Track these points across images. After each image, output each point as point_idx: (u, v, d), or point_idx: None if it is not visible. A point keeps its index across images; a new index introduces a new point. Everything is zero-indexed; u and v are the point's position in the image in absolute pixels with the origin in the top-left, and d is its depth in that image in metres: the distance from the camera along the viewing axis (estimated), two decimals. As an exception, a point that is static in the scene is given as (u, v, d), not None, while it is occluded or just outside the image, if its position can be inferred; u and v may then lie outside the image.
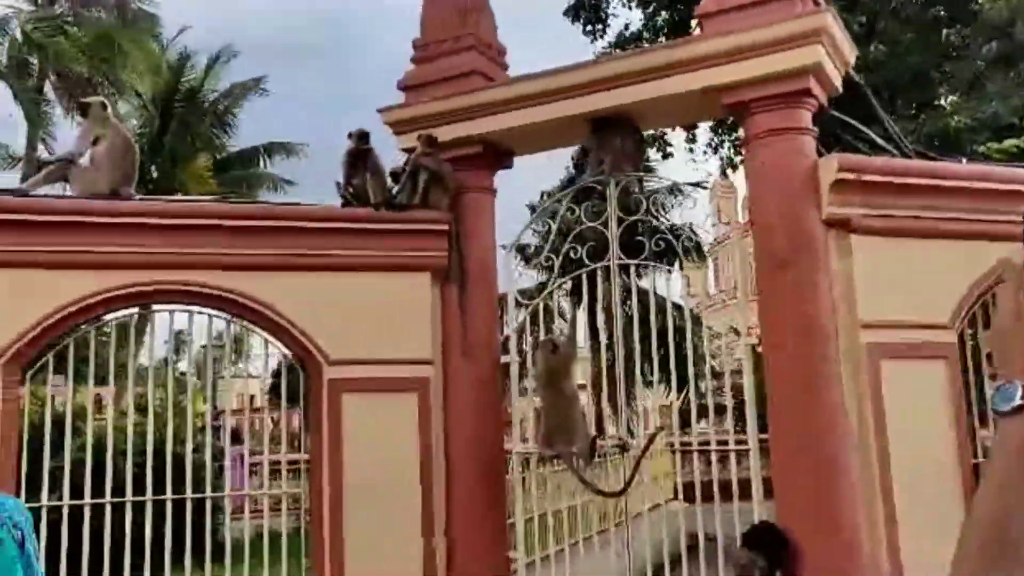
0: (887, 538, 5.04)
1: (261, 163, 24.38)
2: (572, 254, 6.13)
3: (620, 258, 5.97)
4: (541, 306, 6.17)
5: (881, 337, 5.27)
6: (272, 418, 18.34)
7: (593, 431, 6.29)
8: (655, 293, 5.99)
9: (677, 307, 10.34)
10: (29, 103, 20.78)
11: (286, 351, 6.11)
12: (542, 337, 6.11)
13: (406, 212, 6.06)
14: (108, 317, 5.81)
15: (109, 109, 5.94)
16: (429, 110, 6.27)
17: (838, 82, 5.60)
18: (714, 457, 6.07)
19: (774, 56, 5.13)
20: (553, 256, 6.13)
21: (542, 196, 21.37)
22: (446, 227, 6.11)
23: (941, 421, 5.32)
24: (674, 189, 20.27)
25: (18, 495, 5.28)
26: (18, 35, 20.79)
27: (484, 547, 5.95)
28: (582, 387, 6.50)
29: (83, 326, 5.77)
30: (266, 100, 24.64)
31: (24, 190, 5.70)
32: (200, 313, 5.90)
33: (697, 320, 7.66)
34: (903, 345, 5.30)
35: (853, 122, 5.66)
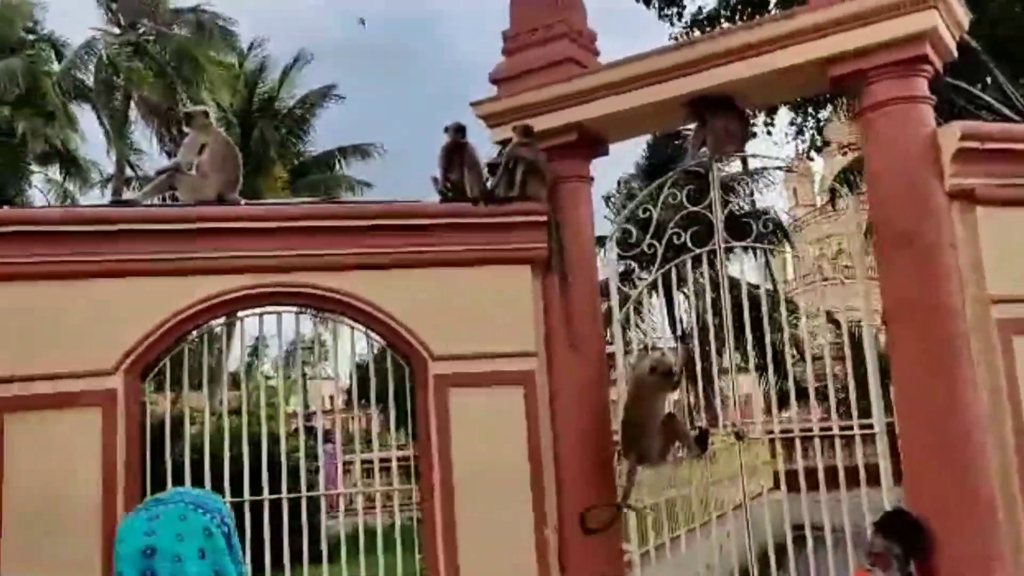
0: (1026, 521, 4.79)
1: (337, 166, 24.82)
2: (675, 239, 5.99)
3: (727, 241, 5.81)
4: (645, 294, 6.04)
5: (1012, 312, 5.02)
6: (361, 416, 18.65)
7: (700, 423, 6.13)
8: (766, 275, 5.78)
9: (767, 291, 10.08)
10: (113, 123, 21.54)
11: (389, 348, 6.11)
12: (642, 343, 5.98)
13: (505, 205, 6.02)
14: (218, 322, 5.90)
15: (212, 117, 6.05)
16: (523, 101, 6.21)
17: (953, 47, 5.34)
18: (817, 443, 5.86)
19: (889, 23, 4.92)
20: (656, 243, 5.99)
21: (619, 184, 21.12)
22: (545, 218, 6.04)
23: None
24: (755, 173, 19.97)
25: (143, 498, 5.45)
26: (104, 57, 21.56)
27: (597, 539, 5.87)
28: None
29: (194, 332, 5.89)
30: (341, 103, 25.06)
31: (137, 201, 5.85)
32: (307, 314, 5.97)
33: (792, 303, 7.50)
34: (1035, 319, 5.04)
35: (970, 88, 5.39)
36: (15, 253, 5.40)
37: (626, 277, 6.25)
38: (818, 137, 15.70)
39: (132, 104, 22.49)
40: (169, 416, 5.90)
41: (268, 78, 24.44)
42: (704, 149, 5.79)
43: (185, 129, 5.93)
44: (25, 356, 5.36)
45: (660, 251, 6.01)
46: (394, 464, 6.29)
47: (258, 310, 5.97)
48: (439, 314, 5.96)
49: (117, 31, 22.58)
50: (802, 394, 9.72)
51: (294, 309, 6.02)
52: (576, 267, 6.12)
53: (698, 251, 5.89)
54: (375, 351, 6.21)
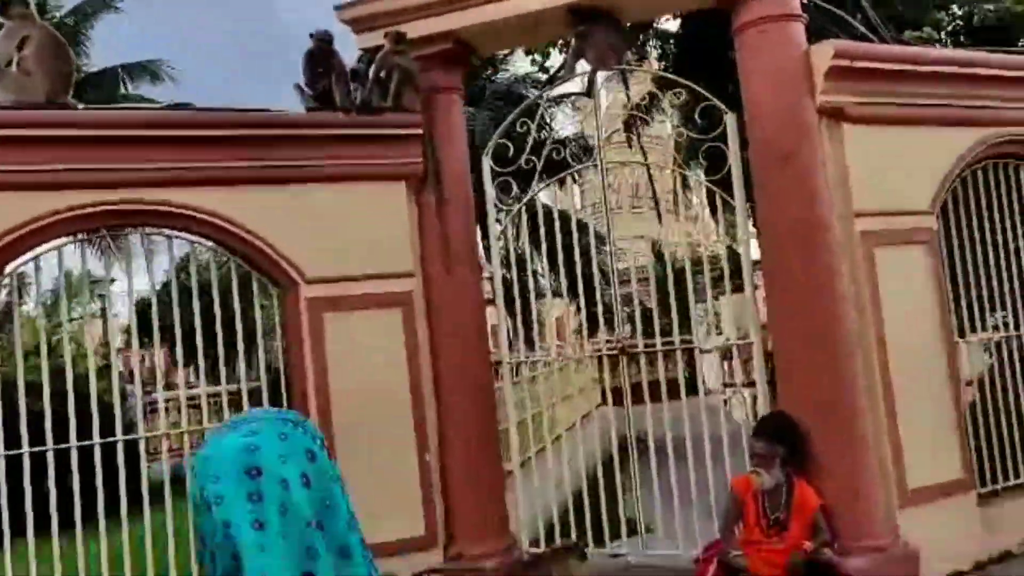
0: (888, 426, 5.22)
1: (121, 87, 22.49)
2: (555, 155, 5.89)
3: (609, 158, 5.78)
4: (523, 212, 5.92)
5: (873, 225, 5.37)
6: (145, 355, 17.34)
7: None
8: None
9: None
10: None
11: (255, 271, 5.63)
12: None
13: (379, 115, 5.63)
14: (59, 242, 5.12)
15: (32, 6, 5.16)
16: (394, 5, 5.79)
17: (823, -32, 5.54)
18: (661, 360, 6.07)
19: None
20: (535, 159, 5.86)
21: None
22: (419, 131, 5.73)
23: (926, 304, 5.52)
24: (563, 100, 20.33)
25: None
26: None
27: (478, 457, 5.81)
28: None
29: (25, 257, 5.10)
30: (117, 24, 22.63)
31: (-58, 101, 4.91)
32: (162, 235, 5.35)
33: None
34: (892, 232, 5.43)
35: (836, 10, 5.62)
36: None
37: (503, 195, 6.06)
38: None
39: None
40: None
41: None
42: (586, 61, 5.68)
43: (-3, 19, 4.99)
44: None
45: (538, 167, 5.88)
46: (244, 398, 5.83)
47: (127, 229, 5.26)
48: (310, 234, 5.54)
49: None
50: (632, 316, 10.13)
51: (145, 230, 5.35)
52: (451, 184, 5.89)
53: (580, 166, 5.83)
54: (238, 275, 5.68)
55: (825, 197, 5.25)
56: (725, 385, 11.76)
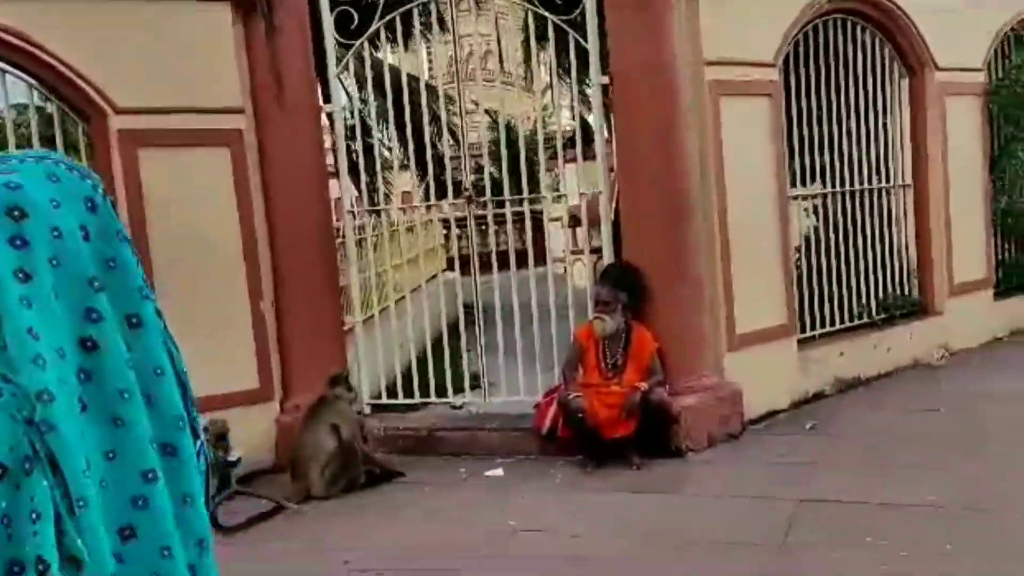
0: (722, 275, 5.36)
1: None
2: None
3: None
4: (365, 48, 5.49)
5: (721, 75, 5.34)
6: None
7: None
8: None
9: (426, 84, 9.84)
10: None
11: (56, 99, 4.97)
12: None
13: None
14: None
15: None
16: None
17: None
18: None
19: None
20: (376, -12, 5.40)
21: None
22: (246, -57, 5.14)
23: (766, 157, 5.63)
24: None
25: None
26: None
27: (318, 309, 5.56)
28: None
29: None
30: None
31: None
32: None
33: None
34: (739, 83, 5.44)
35: None
36: None
37: (343, 28, 5.59)
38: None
39: None
40: None
41: None
42: None
43: None
44: None
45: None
46: None
47: None
48: (123, 59, 4.94)
49: None
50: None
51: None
52: (284, 12, 5.35)
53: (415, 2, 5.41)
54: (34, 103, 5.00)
55: (677, 42, 5.14)
56: (572, 252, 11.90)
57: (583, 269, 8.51)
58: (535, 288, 5.47)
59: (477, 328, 5.68)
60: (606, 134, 5.57)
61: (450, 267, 10.10)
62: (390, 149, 12.76)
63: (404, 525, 4.20)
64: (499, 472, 4.94)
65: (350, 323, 5.94)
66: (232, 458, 4.74)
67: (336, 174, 5.96)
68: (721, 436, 5.12)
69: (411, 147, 6.20)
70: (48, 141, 5.12)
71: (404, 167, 13.57)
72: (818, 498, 4.06)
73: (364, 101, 8.53)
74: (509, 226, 5.89)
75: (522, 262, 5.65)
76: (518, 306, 5.50)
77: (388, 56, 7.18)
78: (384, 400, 5.89)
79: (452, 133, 10.98)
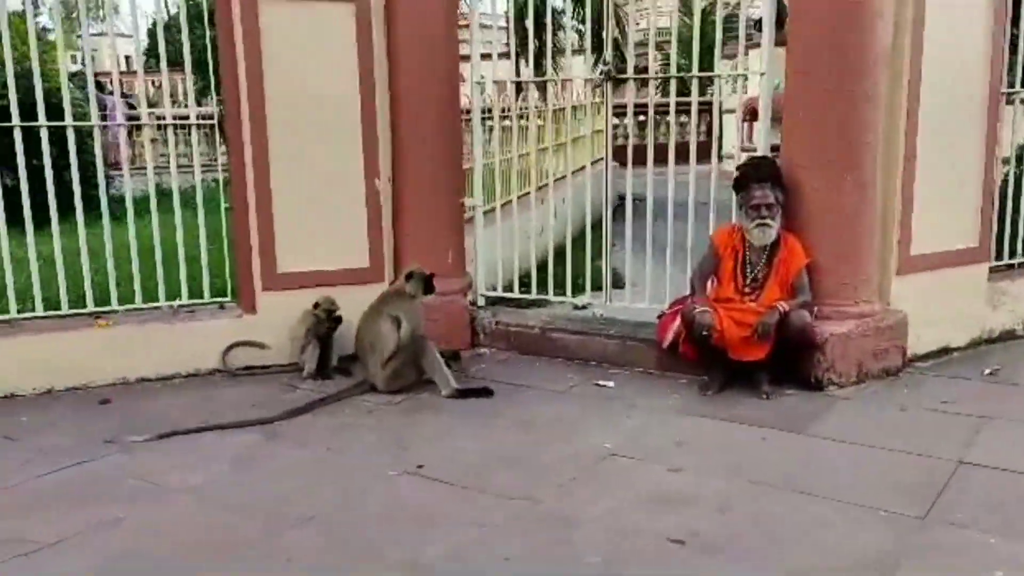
0: (902, 180, 4.48)
1: None
2: None
3: None
4: None
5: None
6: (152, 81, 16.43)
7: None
8: None
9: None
10: None
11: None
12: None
13: None
14: None
15: None
16: None
17: None
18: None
19: None
20: None
21: None
22: None
23: (976, 44, 4.60)
24: None
25: None
26: None
27: (435, 191, 5.17)
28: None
29: None
30: None
31: None
32: None
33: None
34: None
35: None
36: None
37: None
38: None
39: None
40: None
41: None
42: None
43: None
44: None
45: None
46: (193, 120, 5.12)
47: None
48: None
49: None
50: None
51: None
52: None
53: None
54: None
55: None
56: (744, 150, 10.82)
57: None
58: (694, 184, 4.81)
59: (624, 227, 5.08)
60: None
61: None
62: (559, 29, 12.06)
63: (491, 433, 3.83)
64: (610, 384, 4.46)
65: (470, 207, 5.53)
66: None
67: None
68: (875, 371, 4.37)
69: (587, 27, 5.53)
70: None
71: (577, 52, 12.92)
72: (984, 463, 3.32)
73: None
74: (672, 113, 5.12)
75: (687, 157, 4.94)
76: (672, 204, 4.86)
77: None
78: (500, 293, 5.50)
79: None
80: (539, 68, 6.96)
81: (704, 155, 5.09)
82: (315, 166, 4.90)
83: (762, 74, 4.69)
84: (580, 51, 12.65)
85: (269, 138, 4.80)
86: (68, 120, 4.69)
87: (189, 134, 5.25)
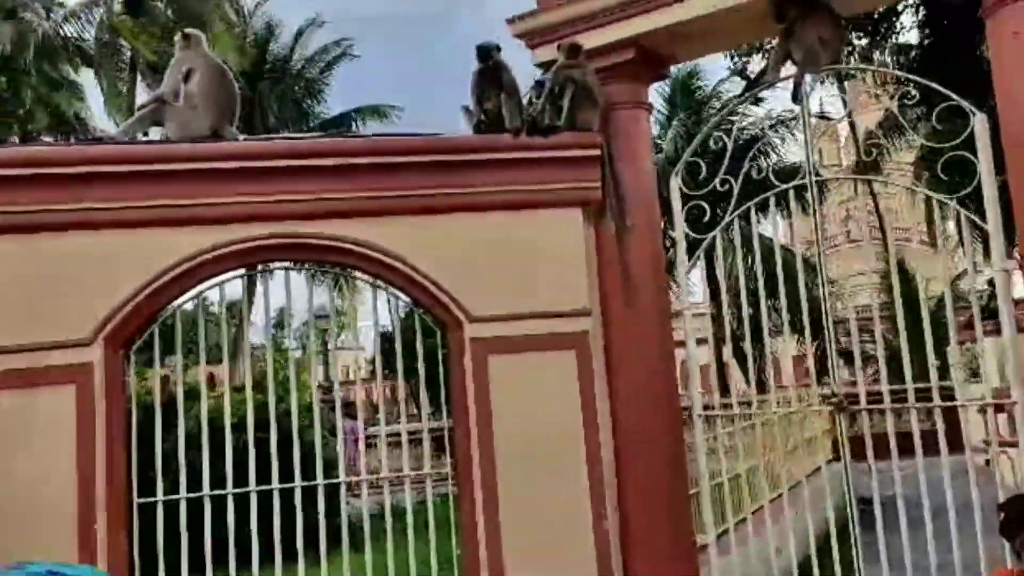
0: None
1: (354, 128, 23.79)
2: (755, 174, 5.02)
3: (818, 175, 4.83)
4: (718, 239, 5.08)
5: None
6: (385, 387, 17.80)
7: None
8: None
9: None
10: (111, 88, 20.56)
11: (417, 308, 5.21)
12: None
13: (551, 136, 5.06)
14: (214, 282, 4.97)
15: (204, 43, 5.11)
16: (570, 13, 5.25)
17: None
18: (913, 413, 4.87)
19: None
20: (731, 179, 5.01)
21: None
22: (598, 152, 5.09)
23: None
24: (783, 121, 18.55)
25: (130, 490, 4.60)
26: (104, 17, 20.62)
27: (664, 520, 5.01)
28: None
29: (191, 293, 4.99)
30: (352, 71, 24.23)
31: (115, 137, 4.93)
32: (317, 270, 5.07)
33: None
34: None
35: None
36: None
37: (692, 221, 5.26)
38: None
39: (136, 68, 21.52)
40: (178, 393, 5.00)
41: (279, 40, 23.53)
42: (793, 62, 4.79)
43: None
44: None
45: (736, 187, 5.01)
46: (426, 440, 5.40)
47: (282, 264, 5.08)
48: (476, 268, 5.06)
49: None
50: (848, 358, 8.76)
51: (300, 266, 5.11)
52: (635, 209, 5.18)
53: (785, 186, 4.90)
54: (401, 313, 5.30)
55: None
56: (986, 443, 9.87)
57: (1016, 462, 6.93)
58: (949, 484, 4.36)
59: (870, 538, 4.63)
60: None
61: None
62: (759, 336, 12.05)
63: None
64: None
65: (704, 539, 5.27)
66: None
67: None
68: None
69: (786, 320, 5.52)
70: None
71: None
72: None
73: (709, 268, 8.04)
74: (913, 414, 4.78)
75: (930, 447, 4.56)
76: (928, 507, 4.41)
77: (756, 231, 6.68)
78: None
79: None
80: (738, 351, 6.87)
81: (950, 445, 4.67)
82: (541, 508, 4.91)
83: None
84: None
85: (499, 476, 4.92)
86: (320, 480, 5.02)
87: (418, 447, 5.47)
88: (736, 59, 9.67)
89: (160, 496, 4.65)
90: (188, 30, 5.22)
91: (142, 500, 4.59)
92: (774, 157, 15.41)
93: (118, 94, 20.83)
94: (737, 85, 15.35)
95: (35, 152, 4.91)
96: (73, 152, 4.82)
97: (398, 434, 6.15)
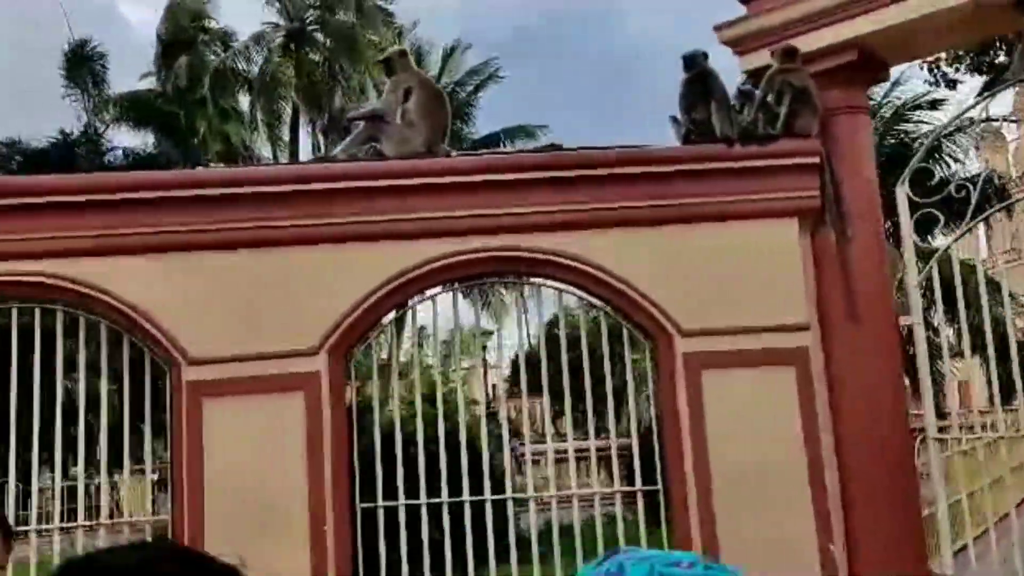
0: None
1: (503, 147, 24.10)
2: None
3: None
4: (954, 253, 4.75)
5: None
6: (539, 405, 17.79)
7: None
8: None
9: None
10: (270, 117, 21.67)
11: (625, 322, 5.11)
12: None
13: (766, 144, 4.88)
14: (429, 293, 5.05)
15: (411, 59, 5.23)
16: (783, 17, 5.06)
17: None
18: None
19: None
20: (969, 186, 4.68)
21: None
22: (817, 159, 4.87)
23: None
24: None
25: (353, 494, 4.70)
26: (268, 49, 21.84)
27: (897, 552, 4.68)
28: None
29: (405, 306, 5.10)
30: (495, 93, 24.64)
31: (334, 156, 5.10)
32: (528, 284, 5.07)
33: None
34: None
35: None
36: (192, 220, 4.73)
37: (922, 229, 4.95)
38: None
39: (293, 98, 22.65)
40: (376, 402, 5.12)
41: (427, 62, 24.18)
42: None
43: (384, 79, 5.13)
44: (223, 335, 4.71)
45: (975, 195, 4.68)
46: (615, 458, 5.28)
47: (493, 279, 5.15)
48: (686, 281, 4.92)
49: (286, 22, 22.83)
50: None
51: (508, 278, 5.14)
52: (857, 219, 4.92)
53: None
54: (607, 326, 5.22)
55: None
56: None
57: None
58: None
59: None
60: None
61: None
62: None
63: None
64: None
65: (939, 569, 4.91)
66: None
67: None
68: None
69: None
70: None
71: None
72: None
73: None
74: None
75: None
76: None
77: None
78: None
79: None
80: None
81: None
82: (762, 532, 4.68)
83: None
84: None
85: (715, 507, 4.73)
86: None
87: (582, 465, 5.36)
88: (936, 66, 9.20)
89: (380, 502, 4.73)
90: (395, 49, 5.36)
91: (364, 504, 4.67)
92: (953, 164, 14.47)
93: (277, 119, 21.98)
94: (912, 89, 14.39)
95: (264, 172, 5.13)
96: (302, 171, 5.01)
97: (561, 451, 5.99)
